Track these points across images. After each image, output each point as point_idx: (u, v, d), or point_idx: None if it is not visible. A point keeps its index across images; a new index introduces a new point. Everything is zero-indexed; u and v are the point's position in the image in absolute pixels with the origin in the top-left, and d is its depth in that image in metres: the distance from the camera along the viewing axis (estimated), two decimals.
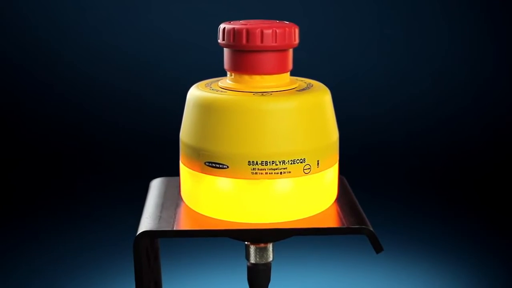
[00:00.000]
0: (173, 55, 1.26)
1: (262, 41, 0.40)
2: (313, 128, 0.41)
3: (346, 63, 1.24)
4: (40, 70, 1.25)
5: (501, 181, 1.10)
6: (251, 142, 0.40)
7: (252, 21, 0.42)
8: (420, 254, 0.85)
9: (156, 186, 0.50)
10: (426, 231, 0.92)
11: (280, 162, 0.40)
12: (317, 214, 0.43)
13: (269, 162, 0.40)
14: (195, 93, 0.42)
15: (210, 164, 0.41)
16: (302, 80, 0.45)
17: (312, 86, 0.44)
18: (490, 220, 0.97)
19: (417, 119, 1.23)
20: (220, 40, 0.42)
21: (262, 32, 0.40)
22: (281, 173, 0.40)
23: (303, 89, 0.42)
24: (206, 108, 0.41)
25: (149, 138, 1.18)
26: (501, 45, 1.28)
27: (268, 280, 0.46)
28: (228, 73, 0.43)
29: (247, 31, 0.40)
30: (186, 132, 0.42)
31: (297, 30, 0.42)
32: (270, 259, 0.45)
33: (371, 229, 0.41)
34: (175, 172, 0.47)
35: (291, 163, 0.40)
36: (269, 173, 0.40)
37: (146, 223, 0.42)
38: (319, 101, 0.42)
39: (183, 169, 0.43)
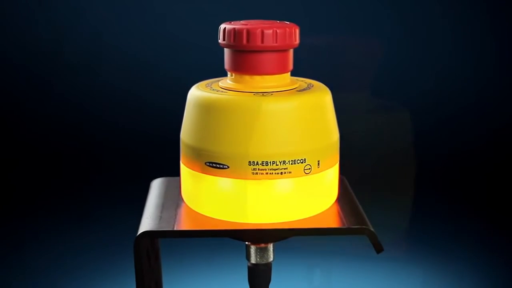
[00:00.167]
0: (174, 55, 1.26)
1: (262, 41, 0.40)
2: (314, 128, 0.41)
3: (347, 63, 1.24)
4: (40, 70, 1.26)
5: (502, 181, 1.10)
6: (251, 142, 0.40)
7: (252, 21, 0.42)
8: (421, 255, 0.86)
9: (156, 186, 0.50)
10: (426, 232, 0.93)
11: (280, 162, 0.40)
12: (318, 214, 0.43)
13: (270, 162, 0.40)
14: (196, 93, 0.42)
15: (211, 164, 0.41)
16: (302, 80, 0.45)
17: (312, 86, 0.44)
18: (491, 220, 0.97)
19: (418, 119, 1.24)
20: (220, 40, 0.42)
21: (262, 32, 0.40)
22: (281, 173, 0.40)
23: (304, 89, 0.42)
24: (207, 108, 0.41)
25: (150, 138, 1.18)
26: (503, 45, 1.28)
27: (268, 280, 0.46)
28: (229, 73, 0.43)
29: (248, 31, 0.40)
30: (186, 132, 0.42)
31: (297, 30, 0.42)
32: (271, 259, 0.45)
33: (372, 229, 0.41)
34: (176, 172, 0.47)
35: (291, 163, 0.40)
36: (270, 173, 0.40)
37: (147, 223, 0.42)
38: (320, 101, 0.42)
39: (183, 169, 0.43)
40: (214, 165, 0.40)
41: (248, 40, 0.40)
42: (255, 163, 0.40)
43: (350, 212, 0.44)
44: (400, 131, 1.24)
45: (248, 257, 0.45)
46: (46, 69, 1.26)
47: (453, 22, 1.28)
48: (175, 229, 0.41)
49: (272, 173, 0.40)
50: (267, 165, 0.40)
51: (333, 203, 0.44)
